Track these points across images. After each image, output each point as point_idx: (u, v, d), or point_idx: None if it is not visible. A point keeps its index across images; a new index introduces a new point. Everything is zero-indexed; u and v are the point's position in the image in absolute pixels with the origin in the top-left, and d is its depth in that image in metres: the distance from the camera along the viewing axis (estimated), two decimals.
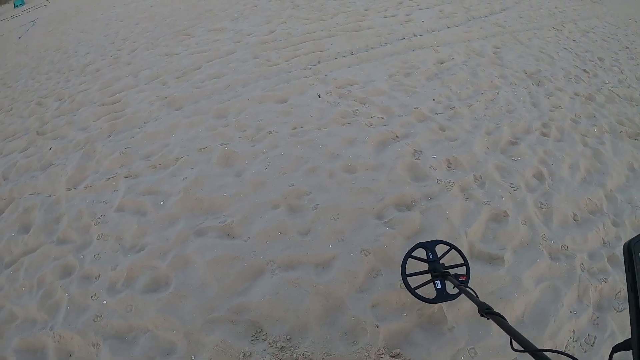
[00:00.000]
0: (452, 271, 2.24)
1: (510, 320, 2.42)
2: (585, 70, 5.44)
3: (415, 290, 2.18)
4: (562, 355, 1.07)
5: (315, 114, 3.89)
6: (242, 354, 2.17)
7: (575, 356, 1.04)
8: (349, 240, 2.67)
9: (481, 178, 3.22)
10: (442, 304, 2.33)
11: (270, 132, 3.61)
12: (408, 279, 2.23)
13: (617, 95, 4.96)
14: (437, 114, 4.01)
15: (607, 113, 4.47)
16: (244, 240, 2.68)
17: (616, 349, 0.77)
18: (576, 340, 2.38)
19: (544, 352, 1.10)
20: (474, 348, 2.24)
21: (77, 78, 6.15)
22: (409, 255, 2.28)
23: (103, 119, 4.45)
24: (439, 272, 2.18)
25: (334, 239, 2.68)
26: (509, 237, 2.79)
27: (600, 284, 2.66)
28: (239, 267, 2.54)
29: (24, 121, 5.12)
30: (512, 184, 3.20)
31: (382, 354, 2.17)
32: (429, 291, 2.20)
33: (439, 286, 2.15)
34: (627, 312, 2.46)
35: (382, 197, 2.96)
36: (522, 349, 1.18)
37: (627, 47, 6.67)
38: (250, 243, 2.66)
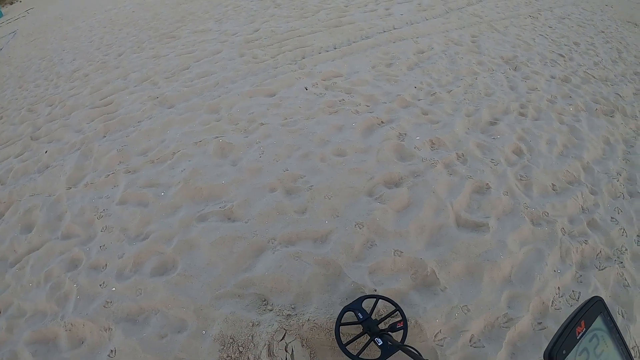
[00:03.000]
0: (387, 321, 2.24)
1: (499, 280, 2.59)
2: (561, 55, 5.68)
3: (359, 356, 2.11)
4: None
5: (303, 105, 4.07)
6: (250, 324, 2.31)
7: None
8: (344, 216, 2.85)
9: (463, 155, 3.43)
10: (437, 265, 2.46)
11: (262, 124, 3.78)
12: (347, 347, 2.15)
13: (593, 76, 5.20)
14: (419, 100, 4.23)
15: (582, 93, 4.70)
16: (245, 222, 2.84)
17: None
18: (562, 296, 2.56)
19: None
20: (466, 305, 2.41)
21: (66, 84, 6.20)
22: (339, 323, 2.19)
23: (97, 121, 4.54)
24: (374, 331, 2.10)
25: (329, 215, 2.85)
26: (492, 206, 2.99)
27: (582, 245, 2.86)
28: (241, 246, 2.69)
29: (16, 128, 5.16)
30: (492, 159, 3.41)
31: (381, 314, 2.32)
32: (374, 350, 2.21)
33: (380, 343, 2.05)
34: (609, 270, 2.74)
35: (372, 176, 3.16)
36: None
37: (603, 32, 6.92)
38: (250, 224, 2.82)
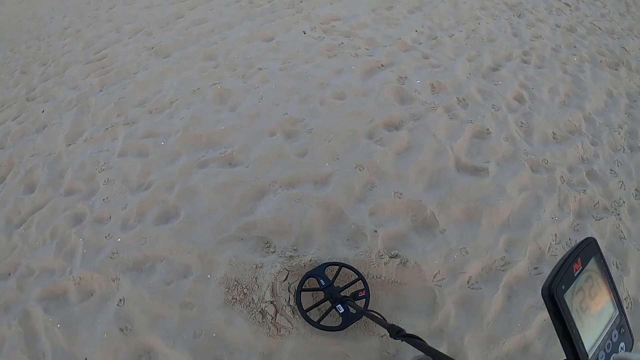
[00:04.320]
0: (349, 289, 2.20)
1: (497, 224, 2.60)
2: (567, 4, 5.48)
3: (320, 323, 2.11)
4: None
5: (302, 49, 3.93)
6: (254, 266, 2.32)
7: None
8: (344, 158, 2.82)
9: (464, 100, 3.37)
10: None
11: (260, 69, 3.67)
12: (308, 313, 2.15)
13: (599, 28, 5.05)
14: (419, 43, 4.11)
15: (587, 44, 4.58)
16: (246, 167, 2.81)
17: None
18: (558, 243, 2.59)
19: None
20: (464, 248, 2.43)
21: (58, 41, 6.03)
22: (300, 289, 2.20)
23: (92, 76, 4.44)
24: (336, 298, 2.09)
25: (329, 158, 2.82)
26: (492, 151, 2.97)
27: (580, 194, 2.87)
28: (242, 191, 2.67)
29: (10, 91, 5.07)
30: (493, 105, 3.36)
31: (382, 255, 2.34)
32: (335, 317, 2.22)
33: (341, 310, 2.05)
34: (605, 221, 2.73)
35: (372, 119, 3.10)
36: None
37: None
38: (251, 168, 2.79)
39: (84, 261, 2.59)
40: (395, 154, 2.88)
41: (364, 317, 2.12)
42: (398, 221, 2.51)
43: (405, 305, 2.29)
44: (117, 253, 2.56)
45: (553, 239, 2.60)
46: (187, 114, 3.29)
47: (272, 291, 2.23)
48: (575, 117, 3.46)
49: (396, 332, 1.33)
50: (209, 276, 2.36)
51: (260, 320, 2.18)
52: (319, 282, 2.18)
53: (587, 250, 0.65)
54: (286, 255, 2.36)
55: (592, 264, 0.66)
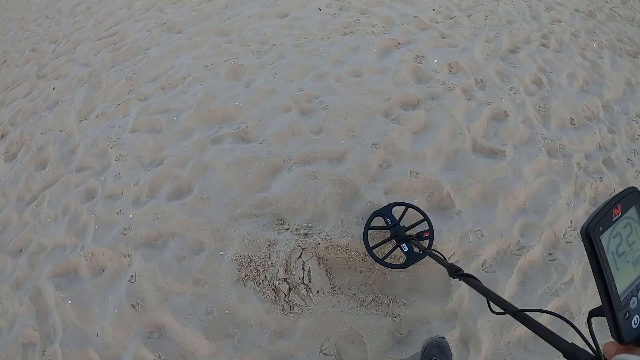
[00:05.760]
0: (414, 229, 2.23)
1: (513, 208, 2.56)
2: None
3: (384, 260, 2.16)
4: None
5: (317, 26, 3.83)
6: (267, 243, 2.29)
7: (561, 314, 0.96)
8: (360, 136, 2.75)
9: (482, 81, 3.30)
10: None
11: (275, 45, 3.58)
12: (374, 250, 2.18)
13: (619, 14, 4.92)
14: (437, 22, 4.00)
15: (607, 30, 4.46)
16: (260, 143, 2.75)
17: (593, 313, 0.72)
18: (573, 230, 2.57)
19: (526, 312, 0.98)
20: (480, 230, 2.40)
21: (68, 19, 5.97)
22: (367, 227, 2.22)
23: (103, 52, 4.39)
24: (401, 237, 2.13)
25: (345, 135, 2.75)
26: (509, 134, 2.91)
27: (596, 182, 2.83)
28: (257, 167, 2.62)
29: (21, 69, 5.05)
30: (511, 87, 3.29)
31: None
32: (399, 256, 2.25)
33: (406, 249, 2.10)
34: None
35: (388, 97, 3.02)
36: (501, 310, 1.04)
37: None
38: (266, 144, 2.73)
39: (95, 237, 2.56)
40: (411, 133, 2.82)
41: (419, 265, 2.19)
42: (414, 201, 2.46)
43: (419, 287, 2.26)
44: (129, 229, 2.54)
45: (568, 225, 2.57)
46: (201, 90, 3.22)
47: (286, 269, 2.20)
48: (593, 103, 3.39)
49: (455, 272, 1.38)
50: (222, 253, 2.33)
51: (274, 298, 2.16)
52: (386, 221, 2.22)
53: (628, 198, 0.65)
54: (300, 232, 2.31)
55: (632, 212, 0.66)
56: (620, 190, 0.69)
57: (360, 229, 2.29)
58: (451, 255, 2.32)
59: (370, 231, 2.23)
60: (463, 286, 2.24)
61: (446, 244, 2.31)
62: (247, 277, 2.23)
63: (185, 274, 2.28)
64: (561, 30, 4.22)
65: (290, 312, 2.13)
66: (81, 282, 2.43)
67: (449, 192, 2.50)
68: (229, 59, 3.50)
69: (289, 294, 2.14)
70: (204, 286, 2.24)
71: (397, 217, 2.25)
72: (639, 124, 3.43)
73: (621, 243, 0.65)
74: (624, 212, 0.65)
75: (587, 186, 2.78)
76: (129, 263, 2.42)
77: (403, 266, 2.13)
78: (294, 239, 2.28)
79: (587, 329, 0.79)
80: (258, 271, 2.23)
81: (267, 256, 2.26)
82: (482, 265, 2.34)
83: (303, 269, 2.19)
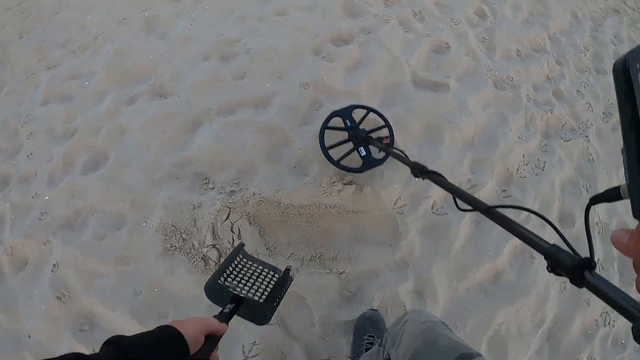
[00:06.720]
0: (374, 135, 2.12)
1: (461, 143, 2.41)
2: None
3: (340, 162, 2.03)
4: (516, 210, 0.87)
5: None
6: (191, 207, 2.05)
7: (533, 210, 0.81)
8: (287, 77, 2.50)
9: (420, 13, 3.09)
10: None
11: None
12: (329, 151, 2.05)
13: None
14: None
15: None
16: (178, 96, 2.45)
17: (594, 200, 0.57)
18: (527, 164, 2.52)
19: (497, 209, 0.87)
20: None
21: None
22: (325, 126, 2.09)
23: (10, 24, 3.93)
24: (360, 139, 2.04)
25: (271, 78, 2.49)
26: (452, 66, 2.78)
27: (547, 114, 2.80)
28: (175, 123, 2.33)
29: None
30: (453, 18, 3.11)
31: (334, 182, 2.10)
32: (355, 159, 2.09)
33: (363, 153, 2.04)
34: (573, 143, 2.51)
35: (318, 34, 2.75)
36: (469, 207, 0.97)
37: None
38: (184, 97, 2.44)
39: (13, 228, 2.29)
40: (344, 69, 2.58)
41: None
42: (349, 143, 2.23)
43: (365, 236, 2.08)
44: (45, 213, 2.26)
45: (521, 159, 2.51)
46: (112, 48, 2.87)
47: (213, 233, 1.97)
48: (539, 35, 3.33)
49: (419, 170, 1.34)
50: (144, 224, 2.09)
51: (204, 268, 1.95)
52: (345, 123, 2.13)
53: None
54: (226, 190, 2.07)
55: None
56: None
57: (294, 179, 2.08)
58: (397, 200, 2.14)
59: (326, 131, 2.10)
60: (412, 231, 2.06)
61: (389, 187, 2.13)
62: (173, 248, 1.99)
63: (107, 253, 2.04)
64: None
65: None
66: (5, 280, 2.18)
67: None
68: (143, 11, 3.12)
69: (219, 260, 1.92)
70: (128, 264, 2.00)
71: (357, 120, 2.15)
72: (587, 56, 3.44)
73: None
74: None
75: (538, 118, 2.71)
76: (50, 250, 2.16)
77: (359, 170, 2.03)
78: (219, 198, 2.04)
79: (584, 227, 0.64)
80: (184, 240, 2.00)
81: (192, 222, 2.01)
82: (432, 208, 2.19)
83: (232, 231, 1.96)
